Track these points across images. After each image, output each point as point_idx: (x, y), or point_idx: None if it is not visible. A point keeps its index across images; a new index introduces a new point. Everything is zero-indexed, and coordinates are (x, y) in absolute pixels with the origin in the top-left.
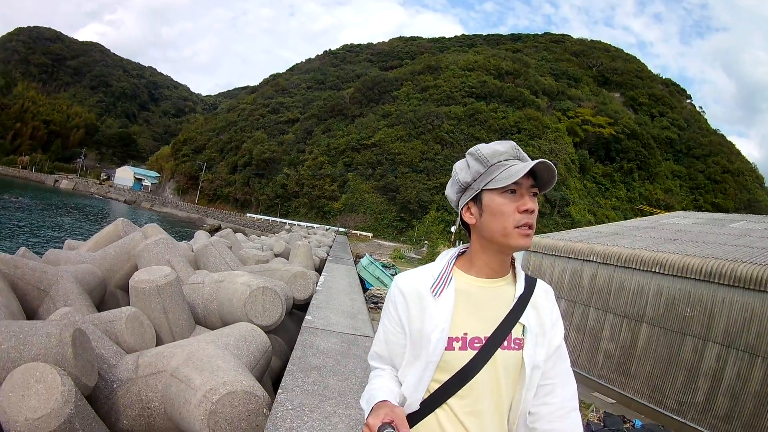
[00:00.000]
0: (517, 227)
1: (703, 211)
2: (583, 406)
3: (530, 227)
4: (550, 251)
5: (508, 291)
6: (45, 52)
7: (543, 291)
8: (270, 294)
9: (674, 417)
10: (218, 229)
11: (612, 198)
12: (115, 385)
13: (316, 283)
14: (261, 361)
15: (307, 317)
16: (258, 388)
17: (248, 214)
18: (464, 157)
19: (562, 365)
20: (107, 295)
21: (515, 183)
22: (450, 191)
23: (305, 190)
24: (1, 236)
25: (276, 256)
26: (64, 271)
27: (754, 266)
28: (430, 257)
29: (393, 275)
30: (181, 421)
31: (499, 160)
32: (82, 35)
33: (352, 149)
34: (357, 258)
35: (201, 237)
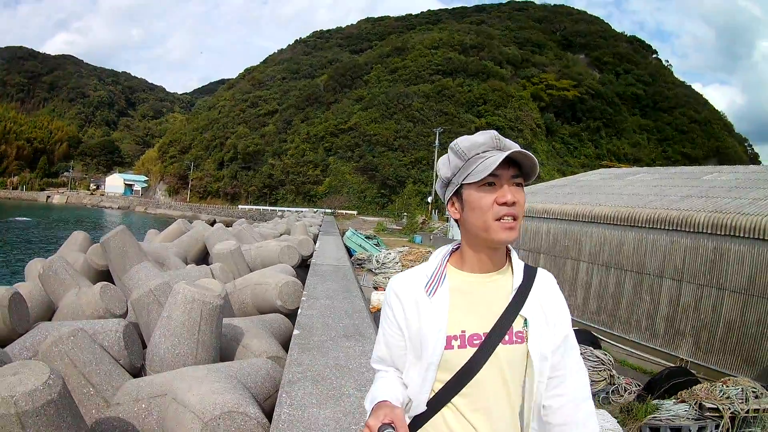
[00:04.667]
0: (498, 219)
1: (672, 161)
2: None
3: (514, 218)
4: None
5: (506, 283)
6: (20, 71)
7: (545, 280)
8: (291, 249)
9: None
10: (213, 223)
11: (581, 156)
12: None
13: (314, 246)
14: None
15: (312, 260)
16: (298, 282)
17: (240, 206)
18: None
19: (572, 355)
20: (188, 264)
21: (493, 175)
22: (437, 186)
23: (291, 178)
24: (30, 252)
25: (281, 234)
26: (169, 251)
27: (604, 207)
28: (410, 227)
29: (375, 245)
30: (264, 302)
31: (476, 153)
32: (51, 47)
33: (330, 135)
34: (343, 232)
35: (219, 228)
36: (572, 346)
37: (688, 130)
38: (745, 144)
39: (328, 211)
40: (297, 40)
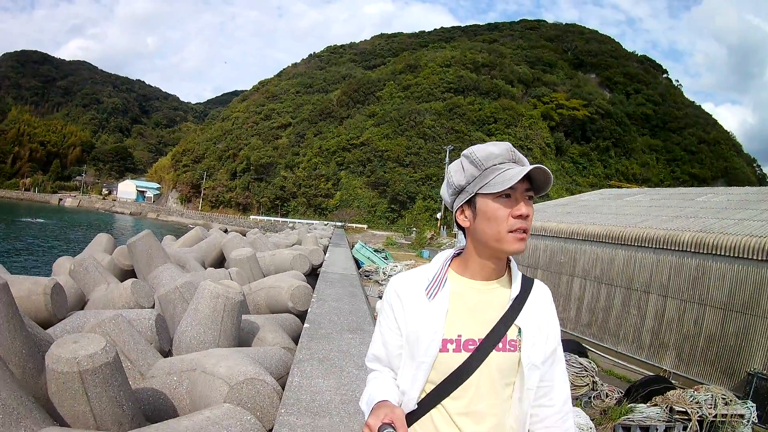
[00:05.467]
0: (511, 232)
1: (680, 182)
2: None
3: (524, 231)
4: None
5: (504, 293)
6: (34, 75)
7: (540, 293)
8: (303, 258)
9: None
10: (226, 232)
11: (590, 176)
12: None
13: (324, 256)
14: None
15: (322, 269)
16: (309, 286)
17: (251, 216)
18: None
19: (559, 367)
20: (207, 268)
21: (510, 188)
22: (444, 192)
23: (302, 190)
24: (48, 252)
25: (293, 244)
26: (189, 255)
27: (597, 226)
28: (418, 242)
29: (384, 258)
30: (276, 303)
31: (494, 164)
32: (66, 52)
33: (342, 149)
34: (352, 245)
35: (235, 236)
36: (559, 359)
37: (696, 151)
38: (754, 165)
39: (339, 224)
40: (311, 54)
